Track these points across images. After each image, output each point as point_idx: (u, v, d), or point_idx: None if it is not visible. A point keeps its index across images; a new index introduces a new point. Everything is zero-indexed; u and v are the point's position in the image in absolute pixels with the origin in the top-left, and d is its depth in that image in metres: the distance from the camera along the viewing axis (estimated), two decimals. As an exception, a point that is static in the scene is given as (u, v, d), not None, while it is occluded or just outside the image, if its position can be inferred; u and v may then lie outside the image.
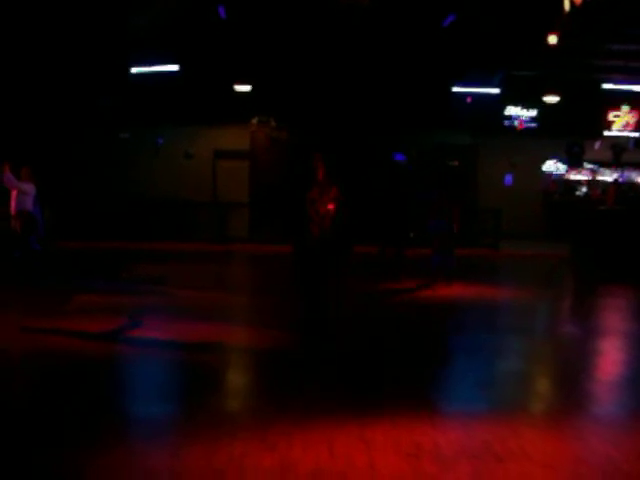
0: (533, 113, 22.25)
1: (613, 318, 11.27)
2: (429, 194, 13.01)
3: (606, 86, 21.66)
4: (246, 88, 19.81)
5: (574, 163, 23.28)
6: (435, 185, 13.27)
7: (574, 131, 21.93)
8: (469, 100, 21.14)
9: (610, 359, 8.48)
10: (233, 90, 19.85)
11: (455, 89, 20.88)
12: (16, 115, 18.40)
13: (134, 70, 19.26)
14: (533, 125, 22.31)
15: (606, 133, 22.82)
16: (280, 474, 4.61)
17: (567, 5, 13.64)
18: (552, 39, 15.52)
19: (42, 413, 5.75)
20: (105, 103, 19.59)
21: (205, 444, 5.04)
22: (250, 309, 10.95)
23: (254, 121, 21.10)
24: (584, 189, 23.36)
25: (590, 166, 23.61)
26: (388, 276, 13.32)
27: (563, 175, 23.60)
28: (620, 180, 22.26)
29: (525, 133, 22.25)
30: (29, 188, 12.54)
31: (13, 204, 12.52)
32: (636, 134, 22.87)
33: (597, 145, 22.82)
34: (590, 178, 23.74)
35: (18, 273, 12.13)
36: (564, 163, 23.36)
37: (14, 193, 12.49)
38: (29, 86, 18.51)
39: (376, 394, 6.40)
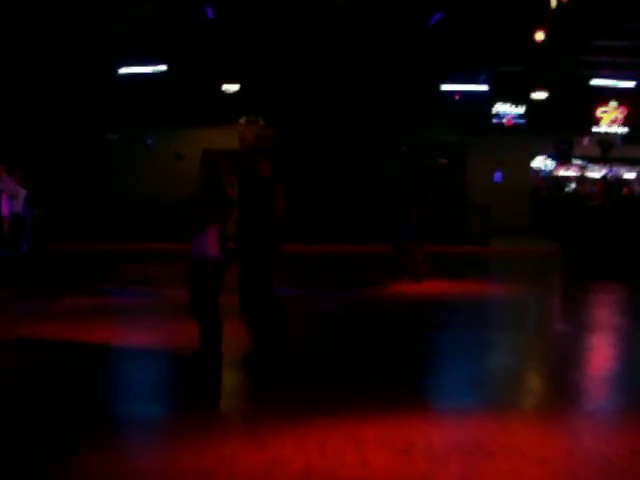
0: (521, 110, 22.29)
1: (603, 314, 11.29)
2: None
3: (594, 82, 21.71)
4: (234, 88, 19.85)
5: (563, 159, 23.38)
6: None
7: (562, 127, 21.97)
8: (457, 97, 21.16)
9: (601, 354, 8.49)
10: (221, 90, 19.86)
11: (443, 87, 20.88)
12: (6, 117, 18.31)
13: (122, 71, 19.18)
14: (521, 122, 22.34)
15: (594, 129, 22.89)
16: (271, 473, 4.59)
17: (554, 1, 13.67)
18: (539, 35, 15.55)
19: (28, 415, 5.70)
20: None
21: (195, 444, 5.01)
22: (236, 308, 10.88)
23: (242, 120, 21.08)
24: (573, 185, 23.45)
25: (579, 162, 23.71)
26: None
27: (552, 171, 23.69)
28: (609, 176, 22.35)
29: (513, 130, 22.29)
30: (19, 191, 12.56)
31: (4, 206, 12.56)
32: (624, 130, 22.96)
33: (585, 141, 22.89)
34: (579, 174, 23.84)
35: (6, 274, 12.07)
36: (553, 159, 23.44)
37: (4, 195, 12.53)
38: (17, 87, 18.42)
39: (367, 392, 6.37)
